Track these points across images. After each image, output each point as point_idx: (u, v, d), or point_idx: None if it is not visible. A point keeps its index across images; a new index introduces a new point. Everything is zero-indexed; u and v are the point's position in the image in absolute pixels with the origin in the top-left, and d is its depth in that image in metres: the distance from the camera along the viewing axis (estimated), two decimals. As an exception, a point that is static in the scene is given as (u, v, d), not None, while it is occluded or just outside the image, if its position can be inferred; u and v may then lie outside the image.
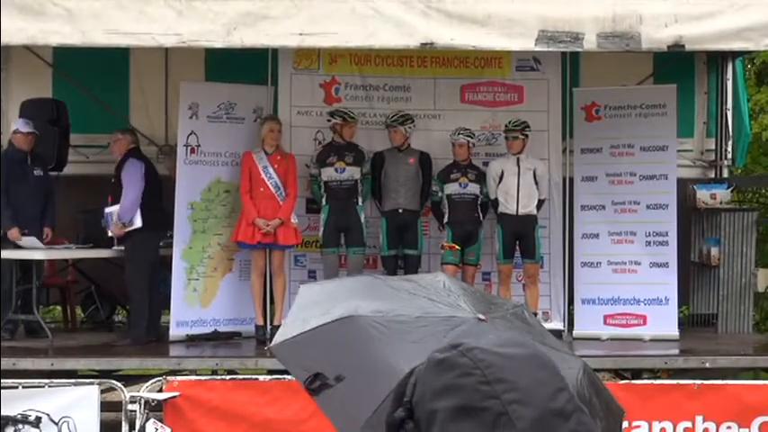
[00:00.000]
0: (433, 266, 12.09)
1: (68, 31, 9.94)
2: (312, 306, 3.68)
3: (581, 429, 2.10)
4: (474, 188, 11.98)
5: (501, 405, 2.06)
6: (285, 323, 3.80)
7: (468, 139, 12.04)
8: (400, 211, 12.05)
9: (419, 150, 12.20)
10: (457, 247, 11.86)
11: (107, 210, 11.64)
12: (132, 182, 11.57)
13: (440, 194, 12.06)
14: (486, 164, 12.36)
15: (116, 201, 11.65)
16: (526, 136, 11.97)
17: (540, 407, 2.08)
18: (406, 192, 12.04)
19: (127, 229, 11.51)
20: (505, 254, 11.91)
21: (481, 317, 3.46)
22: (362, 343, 3.39)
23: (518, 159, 11.93)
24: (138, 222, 11.51)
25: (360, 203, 11.93)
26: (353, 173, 11.87)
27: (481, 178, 12.03)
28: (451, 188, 11.99)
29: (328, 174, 11.90)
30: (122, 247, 11.78)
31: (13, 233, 11.66)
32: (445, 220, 12.02)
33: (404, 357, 3.10)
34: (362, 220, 11.90)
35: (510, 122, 12.06)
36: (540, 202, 12.03)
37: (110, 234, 11.66)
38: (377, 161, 12.19)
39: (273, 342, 3.73)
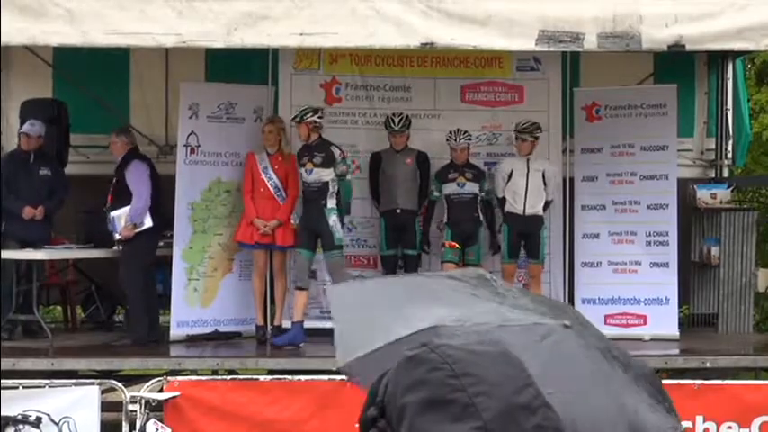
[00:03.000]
0: (434, 266, 12.11)
1: (69, 31, 9.94)
2: (377, 309, 3.16)
3: (546, 424, 2.13)
4: (472, 187, 11.96)
5: (467, 397, 2.10)
6: (342, 332, 3.21)
7: (469, 141, 12.02)
8: (398, 211, 12.03)
9: (416, 150, 12.19)
10: (457, 245, 11.85)
11: (112, 214, 11.62)
12: (142, 184, 11.60)
13: (436, 194, 12.03)
14: (487, 164, 12.40)
15: (116, 202, 11.65)
16: (536, 138, 11.95)
17: (507, 400, 2.12)
18: (404, 192, 12.02)
19: (137, 230, 11.52)
20: (510, 253, 11.91)
21: (567, 323, 3.02)
22: None
23: (528, 160, 11.91)
24: (148, 222, 11.55)
25: (329, 206, 11.56)
26: (322, 174, 11.54)
27: (480, 177, 12.02)
28: (449, 188, 11.97)
29: (302, 175, 11.79)
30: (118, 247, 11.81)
31: (27, 211, 11.77)
32: (444, 219, 12.00)
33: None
34: (331, 222, 11.50)
35: (520, 124, 12.01)
36: (547, 204, 12.02)
37: (117, 237, 11.65)
38: (374, 161, 12.18)
39: (341, 358, 3.16)
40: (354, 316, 3.20)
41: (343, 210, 11.71)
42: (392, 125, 12.00)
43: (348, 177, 11.74)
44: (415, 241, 12.04)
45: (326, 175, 11.54)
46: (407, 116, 12.11)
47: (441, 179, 12.03)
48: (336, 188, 11.58)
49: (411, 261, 12.01)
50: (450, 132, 12.02)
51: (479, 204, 12.06)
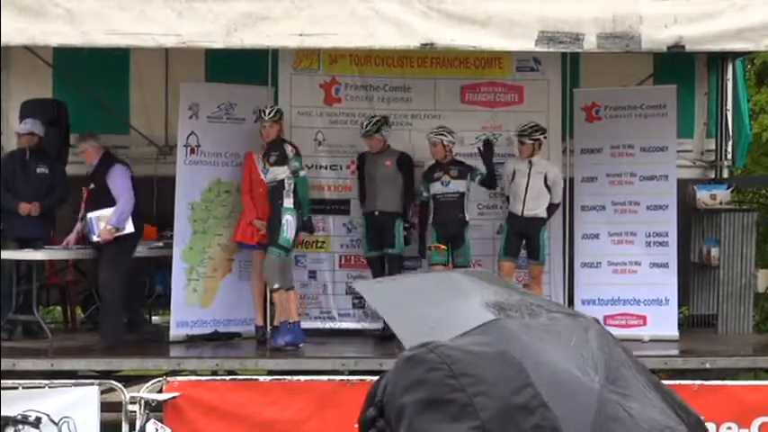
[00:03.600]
0: (425, 266, 12.10)
1: (68, 31, 9.95)
2: (421, 307, 3.05)
3: (545, 424, 2.14)
4: (458, 185, 11.87)
5: (466, 397, 2.11)
6: (403, 332, 3.06)
7: (442, 138, 11.87)
8: (376, 213, 12.01)
9: (398, 151, 12.15)
10: (443, 247, 11.80)
11: (90, 215, 11.56)
12: (125, 188, 11.56)
13: (424, 194, 12.01)
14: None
15: (91, 208, 11.57)
16: (536, 140, 11.90)
17: (505, 400, 2.13)
18: (383, 194, 11.99)
19: (117, 234, 11.48)
20: (507, 251, 11.89)
21: (595, 318, 2.95)
22: (532, 354, 2.68)
23: (530, 162, 11.88)
24: (129, 228, 11.50)
25: (285, 205, 11.42)
26: (277, 173, 11.46)
27: (465, 173, 11.90)
28: (435, 188, 11.93)
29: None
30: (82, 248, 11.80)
31: (23, 207, 11.75)
32: (430, 221, 11.95)
33: (580, 365, 2.65)
34: (283, 221, 11.36)
35: (520, 126, 11.97)
36: (553, 207, 11.98)
37: (95, 239, 11.59)
38: (360, 162, 12.19)
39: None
40: (403, 313, 3.12)
41: (305, 208, 11.59)
42: (361, 128, 11.99)
43: (302, 174, 11.58)
44: (395, 240, 11.98)
45: (281, 173, 11.47)
46: (381, 118, 12.03)
47: (427, 179, 12.00)
48: (293, 186, 11.48)
49: (393, 260, 11.93)
50: (431, 129, 11.98)
51: (480, 183, 11.95)
